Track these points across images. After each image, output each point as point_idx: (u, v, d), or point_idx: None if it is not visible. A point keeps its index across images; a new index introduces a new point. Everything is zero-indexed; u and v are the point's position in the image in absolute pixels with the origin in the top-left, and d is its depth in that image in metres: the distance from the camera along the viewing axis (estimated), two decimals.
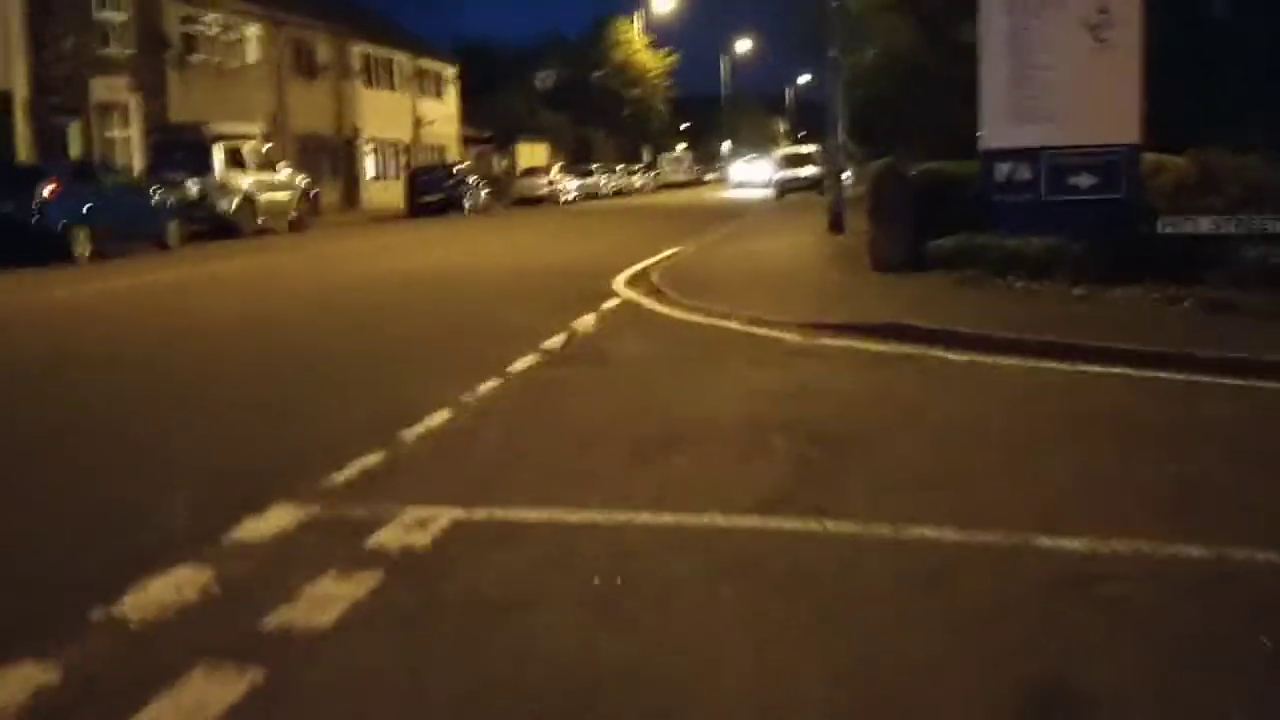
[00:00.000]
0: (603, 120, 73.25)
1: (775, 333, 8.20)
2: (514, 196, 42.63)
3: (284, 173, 24.37)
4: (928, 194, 10.59)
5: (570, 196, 44.73)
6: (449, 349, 7.97)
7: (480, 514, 4.09)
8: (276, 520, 4.04)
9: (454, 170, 35.60)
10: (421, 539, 3.78)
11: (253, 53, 31.23)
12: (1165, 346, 6.86)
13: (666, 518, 4.01)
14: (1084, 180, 10.04)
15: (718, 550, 3.67)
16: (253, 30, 31.15)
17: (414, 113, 42.55)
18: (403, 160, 41.06)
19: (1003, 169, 10.33)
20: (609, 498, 4.26)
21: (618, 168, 59.98)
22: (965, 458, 4.76)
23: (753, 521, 3.96)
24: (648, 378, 6.69)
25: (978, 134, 10.51)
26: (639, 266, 13.24)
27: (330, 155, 36.16)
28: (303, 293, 12.59)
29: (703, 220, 23.92)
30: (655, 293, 10.65)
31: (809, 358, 7.24)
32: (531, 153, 56.72)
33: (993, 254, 9.75)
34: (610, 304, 10.06)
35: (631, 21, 72.87)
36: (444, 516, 4.03)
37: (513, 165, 51.75)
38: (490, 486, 4.44)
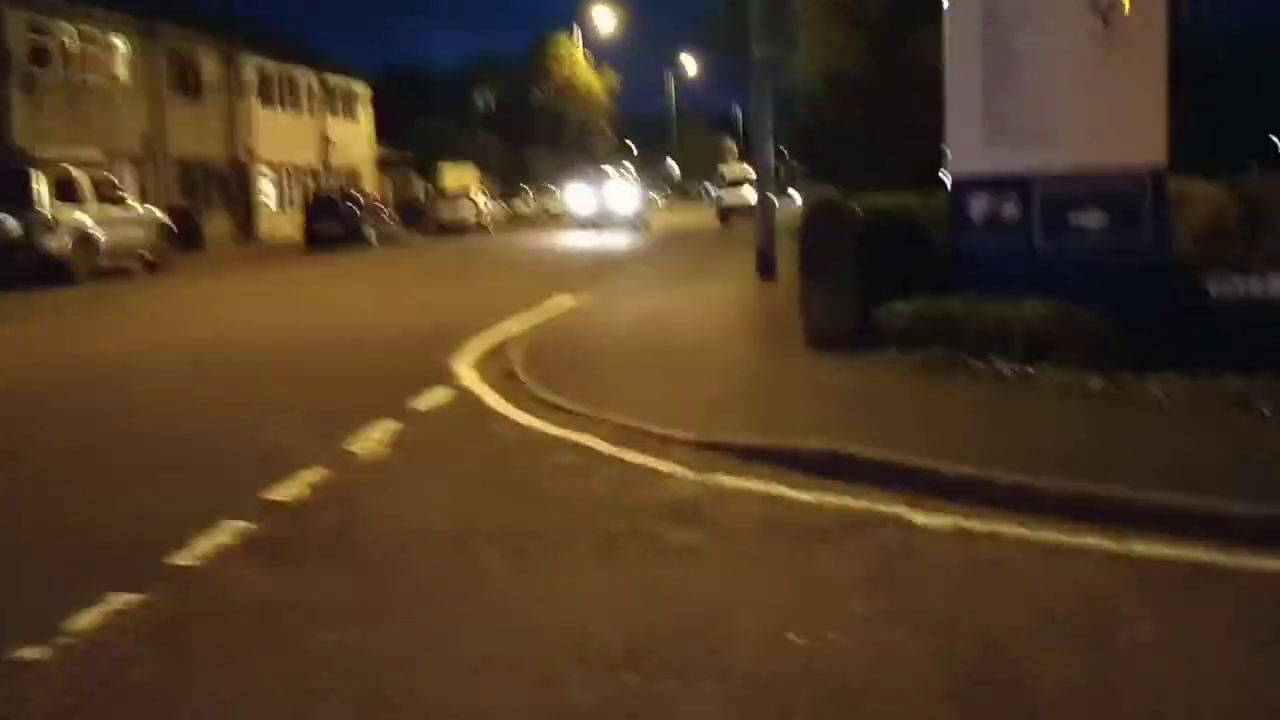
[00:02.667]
0: (545, 141, 70.51)
1: (655, 461, 5.38)
2: (436, 223, 39.55)
3: (135, 205, 21.09)
4: (875, 239, 7.80)
5: (486, 221, 41.55)
6: (95, 520, 4.90)
7: None
8: None
9: (355, 197, 32.17)
10: None
11: (121, 68, 27.84)
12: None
13: None
14: (1092, 218, 7.33)
15: None
16: (120, 43, 27.74)
17: (322, 135, 39.26)
18: (311, 186, 37.70)
19: (978, 204, 7.60)
20: None
21: (554, 190, 57.17)
22: None
23: None
24: (386, 598, 3.74)
25: (943, 157, 7.79)
26: (511, 327, 10.34)
27: (220, 182, 32.69)
28: None
29: (622, 255, 21.11)
30: (508, 376, 7.76)
31: (694, 528, 4.36)
32: (458, 175, 53.61)
33: (968, 325, 6.96)
34: (435, 399, 7.12)
35: (571, 38, 70.29)
36: None
37: (439, 190, 48.58)
38: None
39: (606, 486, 5.02)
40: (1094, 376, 6.25)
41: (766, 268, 12.26)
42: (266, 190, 35.83)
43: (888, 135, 17.57)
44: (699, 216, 42.30)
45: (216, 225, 30.47)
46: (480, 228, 40.23)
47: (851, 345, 7.39)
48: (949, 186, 7.76)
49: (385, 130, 48.02)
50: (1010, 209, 7.49)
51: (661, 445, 5.67)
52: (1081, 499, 4.44)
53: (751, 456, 5.35)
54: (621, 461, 5.45)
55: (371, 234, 30.31)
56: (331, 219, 29.64)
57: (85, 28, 26.35)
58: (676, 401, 6.55)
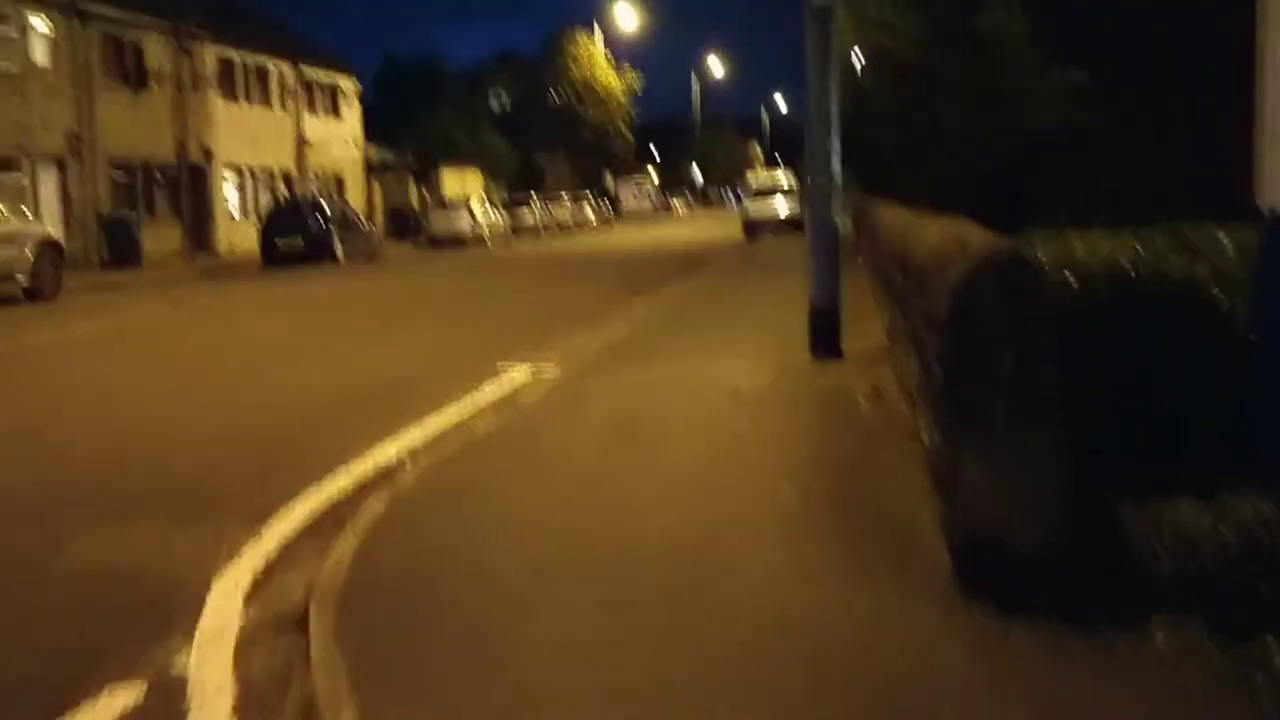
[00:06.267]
0: (561, 144, 66.42)
1: None
2: (431, 234, 35.39)
3: (9, 219, 17.03)
4: (1101, 339, 3.53)
5: (485, 234, 37.15)
6: None
7: None
8: None
9: (324, 205, 27.70)
10: None
11: (42, 53, 23.80)
12: None
13: None
14: None
15: None
16: (41, 24, 23.70)
17: (297, 133, 35.13)
18: (283, 192, 33.52)
19: None
20: None
21: (565, 198, 52.92)
22: None
23: None
24: None
25: (1255, 166, 3.57)
26: (401, 445, 6.11)
27: (169, 186, 28.44)
28: None
29: (627, 282, 16.91)
30: (298, 628, 3.54)
31: None
32: (461, 181, 49.53)
33: None
34: None
35: (591, 36, 66.16)
36: None
37: (435, 198, 44.37)
38: None
39: None
40: None
41: (825, 338, 7.39)
42: (229, 196, 31.65)
43: (970, 136, 13.48)
44: (722, 228, 37.66)
45: (163, 237, 26.38)
46: (478, 241, 36.00)
47: (1064, 592, 3.12)
48: (1266, 231, 3.53)
49: (384, 130, 43.97)
50: None
51: None
52: None
53: None
54: None
55: (340, 250, 26.03)
56: (294, 232, 25.40)
57: None
58: None
